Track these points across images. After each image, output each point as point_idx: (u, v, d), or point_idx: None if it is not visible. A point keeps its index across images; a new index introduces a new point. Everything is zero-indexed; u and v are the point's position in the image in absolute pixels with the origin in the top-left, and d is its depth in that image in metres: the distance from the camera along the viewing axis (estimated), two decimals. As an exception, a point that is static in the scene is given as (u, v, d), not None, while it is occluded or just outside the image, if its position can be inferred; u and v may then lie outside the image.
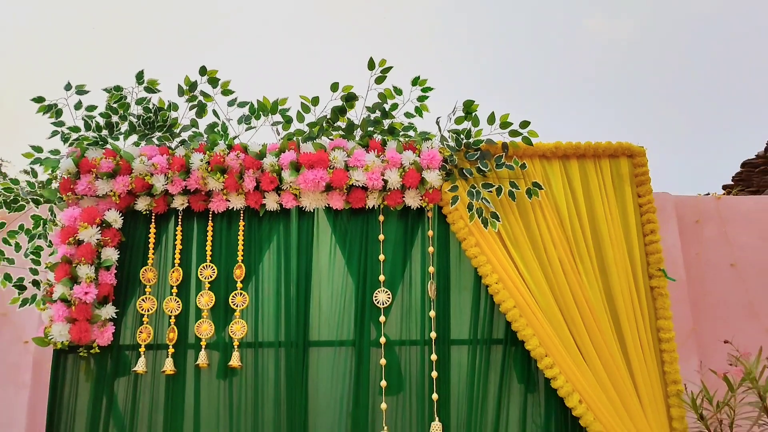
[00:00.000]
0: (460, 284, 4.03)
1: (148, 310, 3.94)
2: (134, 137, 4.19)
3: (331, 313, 3.98)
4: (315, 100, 4.15)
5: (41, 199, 4.05)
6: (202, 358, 3.84)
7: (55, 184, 3.98)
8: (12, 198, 4.05)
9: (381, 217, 4.05)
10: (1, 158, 16.11)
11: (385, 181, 3.93)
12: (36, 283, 4.03)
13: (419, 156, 3.98)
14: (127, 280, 4.02)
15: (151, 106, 4.16)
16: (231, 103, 4.21)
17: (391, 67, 4.12)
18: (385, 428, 3.77)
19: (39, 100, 4.08)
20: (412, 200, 3.97)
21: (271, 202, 3.99)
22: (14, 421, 4.86)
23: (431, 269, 3.98)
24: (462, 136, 4.06)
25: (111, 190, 3.94)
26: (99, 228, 3.90)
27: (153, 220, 4.07)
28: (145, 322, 3.93)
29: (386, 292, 3.95)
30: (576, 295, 3.88)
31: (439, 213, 4.06)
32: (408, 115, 4.21)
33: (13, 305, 4.96)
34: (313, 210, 4.04)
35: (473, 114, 4.08)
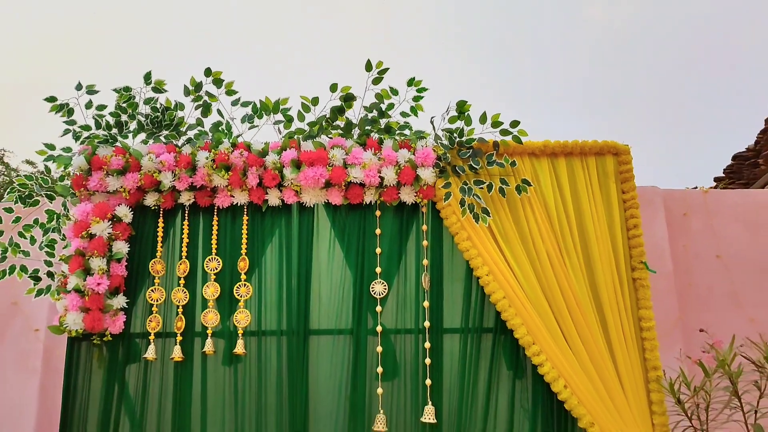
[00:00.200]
0: (453, 276, 4.09)
1: (157, 300, 4.00)
2: (142, 135, 4.22)
3: (331, 304, 4.05)
4: (315, 100, 4.19)
5: (55, 195, 4.13)
6: (209, 346, 3.91)
7: (67, 181, 4.03)
8: (27, 193, 4.12)
9: (378, 213, 4.10)
10: (3, 148, 16.20)
11: (382, 178, 3.97)
12: (50, 275, 4.11)
13: (414, 154, 4.02)
14: (137, 271, 4.07)
15: (158, 105, 4.20)
16: (235, 103, 4.24)
17: (387, 69, 4.16)
18: (381, 411, 3.83)
19: (51, 99, 4.14)
20: (408, 196, 4.02)
21: (273, 198, 4.04)
22: (26, 405, 5.02)
23: (425, 262, 4.03)
24: (455, 134, 4.10)
25: (121, 187, 3.99)
26: (110, 222, 3.94)
27: (161, 215, 4.12)
28: (154, 312, 3.99)
29: (382, 283, 4.01)
30: (562, 287, 3.94)
31: (432, 208, 4.11)
32: (404, 114, 4.26)
33: (24, 294, 5.10)
34: (313, 205, 4.10)
35: (466, 114, 4.12)
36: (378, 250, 4.05)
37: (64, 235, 4.08)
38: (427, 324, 3.95)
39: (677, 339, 5.01)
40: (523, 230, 4.03)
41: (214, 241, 4.09)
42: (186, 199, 4.08)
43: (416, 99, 4.24)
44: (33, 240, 4.21)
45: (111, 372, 3.96)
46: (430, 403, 3.84)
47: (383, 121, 4.23)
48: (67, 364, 3.99)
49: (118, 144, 4.14)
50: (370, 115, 4.23)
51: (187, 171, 3.97)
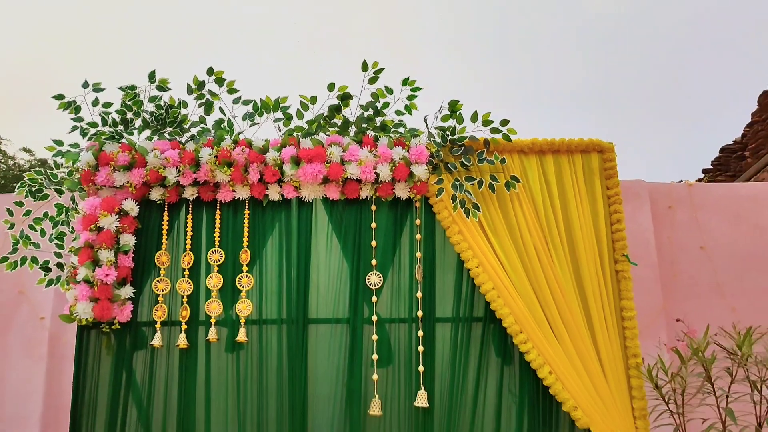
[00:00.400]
0: (445, 268, 4.16)
1: (163, 290, 4.08)
2: (147, 132, 4.28)
3: (328, 294, 4.12)
4: (313, 99, 4.26)
5: (64, 189, 4.21)
6: (212, 334, 4.00)
7: (76, 175, 4.08)
8: (37, 188, 4.22)
9: (373, 207, 4.17)
10: (0, 136, 16.22)
11: (377, 175, 4.05)
12: (60, 266, 4.20)
13: (408, 151, 4.08)
14: (143, 263, 4.14)
15: (162, 103, 4.26)
16: (236, 101, 4.29)
17: (382, 69, 4.22)
18: (376, 396, 3.92)
19: (59, 97, 4.20)
20: (402, 192, 4.10)
21: (274, 193, 4.12)
22: (33, 391, 5.12)
23: (418, 254, 4.11)
24: (447, 132, 4.16)
25: (128, 182, 4.06)
26: (117, 216, 4.01)
27: (166, 209, 4.18)
28: (160, 301, 4.07)
29: (378, 274, 4.09)
30: (548, 278, 4.03)
31: (426, 203, 4.18)
32: (398, 113, 4.33)
33: (30, 284, 5.16)
34: (312, 200, 4.16)
35: (458, 112, 4.17)
36: (373, 243, 4.13)
37: (72, 227, 4.16)
38: (420, 313, 4.03)
39: (661, 327, 5.14)
40: (511, 224, 4.11)
41: (216, 234, 4.16)
42: (190, 193, 4.15)
43: (410, 98, 4.30)
44: (43, 232, 4.30)
45: (119, 359, 4.03)
46: (422, 388, 3.92)
47: (379, 120, 4.28)
48: (77, 351, 4.06)
49: (124, 140, 4.20)
50: (366, 114, 4.28)
51: (191, 167, 4.05)
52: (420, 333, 4.02)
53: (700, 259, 5.50)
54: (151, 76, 4.26)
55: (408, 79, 4.28)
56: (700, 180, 10.03)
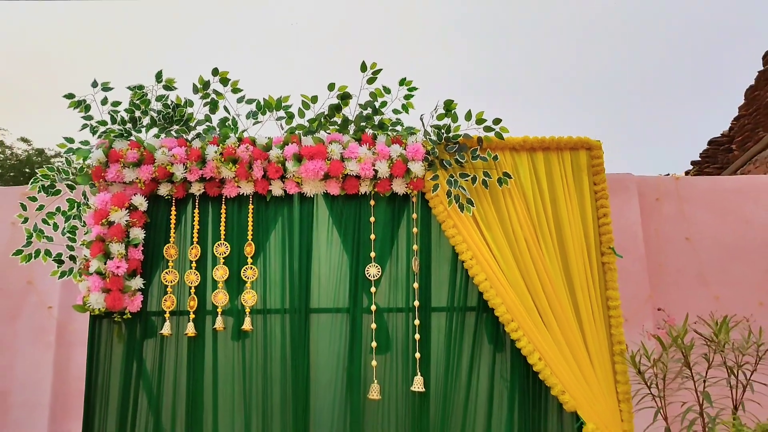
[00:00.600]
0: (440, 260, 4.26)
1: (171, 282, 4.20)
2: (155, 130, 4.35)
3: (329, 285, 4.21)
4: (314, 98, 4.32)
5: (75, 185, 4.32)
6: (219, 323, 4.11)
7: (87, 170, 4.18)
8: (49, 183, 4.32)
9: (372, 202, 4.25)
10: None
11: (376, 171, 4.15)
12: (72, 258, 4.33)
13: (405, 149, 4.18)
14: (152, 255, 4.24)
15: (169, 102, 4.33)
16: (240, 100, 4.34)
17: (380, 70, 4.29)
18: (375, 381, 4.03)
19: (70, 96, 4.28)
20: (399, 187, 4.20)
21: (277, 189, 4.23)
22: (42, 377, 5.28)
23: (415, 247, 4.21)
24: (442, 131, 4.25)
25: (137, 178, 4.17)
26: (127, 211, 4.12)
27: (174, 204, 4.28)
28: (169, 292, 4.18)
29: (376, 266, 4.20)
30: (538, 269, 4.14)
31: (422, 199, 4.27)
32: (395, 111, 4.40)
33: (37, 274, 5.31)
34: (313, 195, 4.26)
35: (452, 111, 4.25)
36: (372, 237, 4.23)
37: (84, 222, 4.26)
38: (416, 303, 4.14)
39: (648, 316, 5.30)
40: (503, 218, 4.21)
41: (222, 228, 4.26)
42: (196, 189, 4.26)
43: (407, 97, 4.38)
44: (56, 226, 4.40)
45: (130, 347, 4.14)
46: (419, 373, 4.04)
47: (377, 118, 4.37)
48: (90, 339, 4.17)
49: (132, 138, 4.30)
50: (365, 112, 4.36)
51: (197, 164, 4.15)
52: (416, 322, 4.13)
53: (686, 250, 5.66)
54: (158, 76, 4.34)
55: (405, 79, 4.35)
56: (688, 172, 10.20)
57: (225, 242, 4.27)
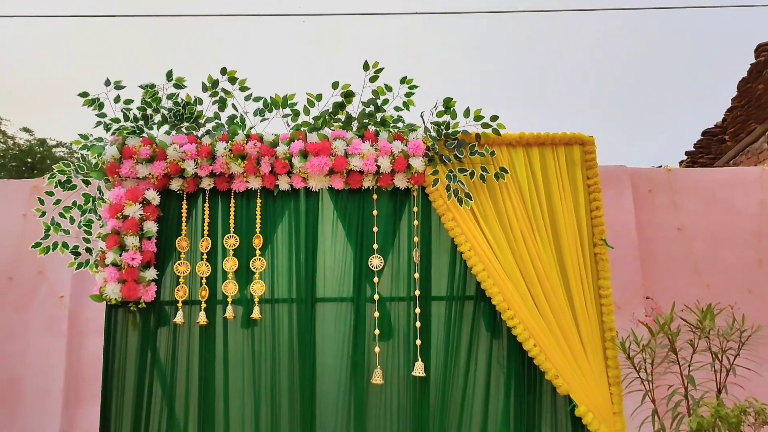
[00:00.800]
0: (440, 251, 4.38)
1: (183, 273, 4.32)
2: (166, 127, 4.48)
3: (334, 275, 4.33)
4: (318, 97, 4.43)
5: (90, 180, 4.46)
6: (229, 312, 4.24)
7: (102, 165, 4.29)
8: (66, 179, 4.46)
9: (375, 196, 4.37)
10: (0, 116, 16.25)
11: (378, 167, 4.27)
12: (88, 250, 4.47)
13: (406, 145, 4.29)
14: (165, 247, 4.36)
15: (179, 100, 4.44)
16: (248, 98, 4.44)
17: (382, 69, 4.39)
18: (378, 367, 4.17)
19: (84, 95, 4.42)
20: (401, 182, 4.32)
21: (284, 184, 4.34)
22: (55, 365, 5.44)
23: (416, 239, 4.33)
24: (442, 127, 4.37)
25: (149, 173, 4.29)
26: (141, 205, 4.24)
27: (185, 198, 4.40)
28: (181, 283, 4.31)
29: (379, 257, 4.31)
30: (534, 260, 4.27)
31: (422, 193, 4.39)
32: (397, 108, 4.49)
33: (49, 265, 5.41)
34: (318, 190, 4.38)
35: (452, 109, 4.38)
36: (375, 229, 4.35)
37: (99, 215, 4.39)
38: (417, 292, 4.27)
39: (640, 303, 5.42)
40: (500, 211, 4.33)
41: (231, 221, 4.38)
42: (207, 184, 4.38)
43: (408, 95, 4.48)
44: (72, 220, 4.53)
45: (145, 334, 4.29)
46: (419, 359, 4.17)
47: (379, 115, 4.47)
48: (107, 328, 4.31)
49: (144, 135, 4.43)
50: (367, 110, 4.46)
51: (207, 160, 4.28)
52: (417, 310, 4.26)
53: (678, 240, 5.81)
54: (169, 75, 4.46)
55: (406, 77, 4.46)
56: (682, 162, 10.33)
57: (234, 235, 4.39)
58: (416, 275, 4.33)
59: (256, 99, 4.51)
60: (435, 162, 4.37)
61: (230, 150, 4.31)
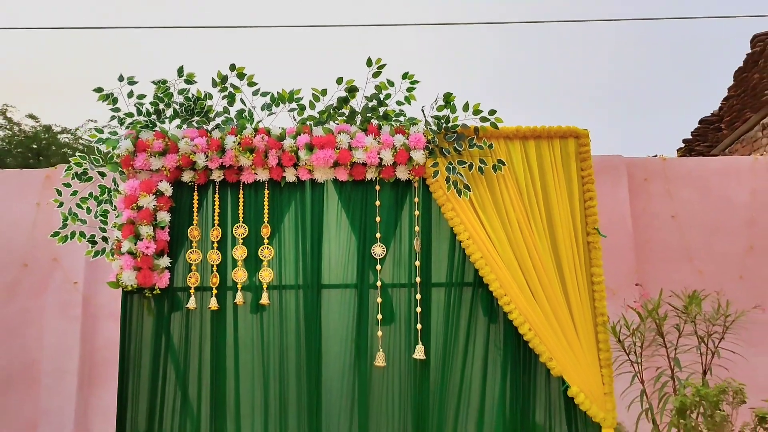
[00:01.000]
0: (439, 240, 4.49)
1: (195, 260, 4.46)
2: (177, 121, 4.61)
3: (339, 263, 4.46)
4: (323, 92, 4.53)
5: (106, 173, 4.61)
6: (239, 298, 4.38)
7: (116, 160, 4.45)
8: (82, 171, 4.60)
9: (377, 187, 4.49)
10: (5, 103, 16.35)
11: (381, 159, 4.37)
12: (105, 239, 4.64)
13: (408, 138, 4.39)
14: (177, 237, 4.50)
15: (190, 95, 4.57)
16: (255, 93, 4.54)
17: (385, 64, 4.52)
18: (381, 350, 4.31)
19: (99, 90, 4.56)
20: (402, 174, 4.43)
21: (290, 175, 4.47)
22: (69, 349, 5.63)
23: (417, 228, 4.45)
24: (442, 121, 4.45)
25: (162, 166, 4.42)
26: (154, 196, 4.38)
27: (196, 190, 4.52)
28: (193, 270, 4.45)
29: (381, 246, 4.44)
30: (529, 249, 4.38)
31: (423, 184, 4.50)
32: (399, 103, 4.60)
33: (63, 251, 5.54)
34: (323, 182, 4.49)
35: (451, 103, 4.46)
36: (378, 219, 4.47)
37: (114, 206, 4.56)
38: (418, 279, 4.40)
39: (634, 289, 5.60)
40: (497, 202, 4.44)
41: (240, 211, 4.51)
42: (217, 176, 4.51)
43: (409, 90, 4.58)
44: (89, 210, 4.67)
45: (159, 319, 4.45)
46: (420, 343, 4.31)
47: (382, 110, 4.59)
48: (123, 313, 4.48)
49: (157, 129, 4.58)
50: (370, 104, 4.58)
51: (217, 153, 4.41)
52: (418, 296, 4.40)
53: (672, 228, 5.95)
54: (180, 71, 4.60)
55: (407, 73, 4.58)
56: (680, 149, 10.45)
57: (243, 224, 4.52)
58: (417, 263, 4.45)
59: (264, 94, 4.63)
60: (435, 154, 4.48)
61: (239, 143, 4.44)
